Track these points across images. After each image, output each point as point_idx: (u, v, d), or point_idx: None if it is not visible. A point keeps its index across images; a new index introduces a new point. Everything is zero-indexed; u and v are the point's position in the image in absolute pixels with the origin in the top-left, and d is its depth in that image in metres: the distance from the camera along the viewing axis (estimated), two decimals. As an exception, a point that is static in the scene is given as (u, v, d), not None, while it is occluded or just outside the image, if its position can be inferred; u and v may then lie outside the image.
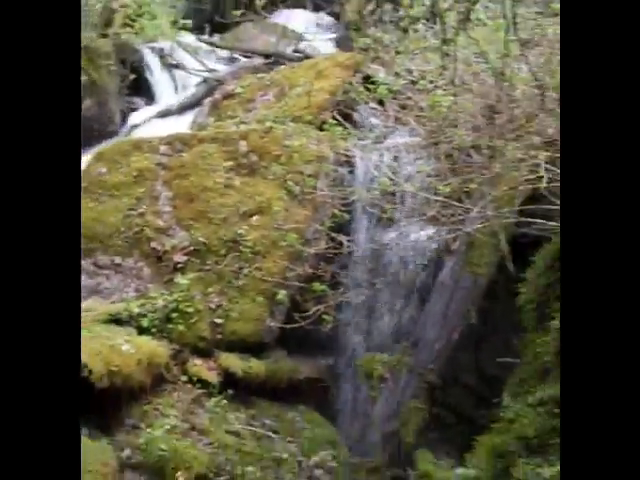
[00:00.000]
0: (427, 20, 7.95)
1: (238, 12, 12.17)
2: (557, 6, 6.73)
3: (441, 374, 7.06)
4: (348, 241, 7.59)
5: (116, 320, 7.16)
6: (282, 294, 7.33)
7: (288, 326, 7.27)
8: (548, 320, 3.49)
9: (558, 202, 6.04)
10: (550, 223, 5.89)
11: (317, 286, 7.26)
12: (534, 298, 3.66)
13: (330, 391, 7.55)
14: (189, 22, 11.61)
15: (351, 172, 8.15)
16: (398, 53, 8.66)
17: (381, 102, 8.93)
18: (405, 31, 8.78)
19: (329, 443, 6.99)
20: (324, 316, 7.07)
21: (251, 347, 7.29)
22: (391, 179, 7.53)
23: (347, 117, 9.01)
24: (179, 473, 6.00)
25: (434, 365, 7.00)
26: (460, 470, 3.68)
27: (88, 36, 10.85)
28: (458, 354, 7.18)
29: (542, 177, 6.13)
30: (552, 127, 6.63)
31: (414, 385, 6.93)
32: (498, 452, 3.32)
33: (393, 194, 7.61)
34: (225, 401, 6.80)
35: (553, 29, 7.12)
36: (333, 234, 7.54)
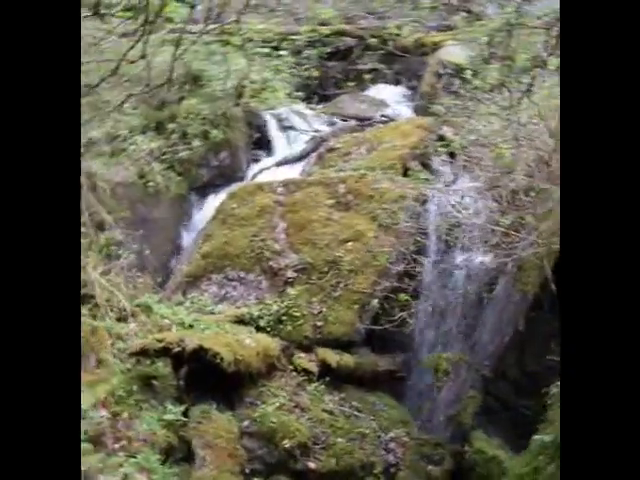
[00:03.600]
0: (490, 90, 7.80)
1: (349, 83, 12.27)
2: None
3: (493, 370, 6.83)
4: (428, 262, 7.45)
5: (240, 321, 7.16)
6: (372, 303, 7.22)
7: (374, 327, 7.14)
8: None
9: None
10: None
11: (402, 297, 7.12)
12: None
13: (404, 381, 7.37)
14: (300, 94, 11.71)
15: (426, 210, 8.01)
16: (468, 117, 8.50)
17: (452, 154, 8.80)
18: (471, 99, 8.63)
19: (402, 422, 6.83)
20: (407, 320, 6.93)
21: (343, 345, 7.19)
22: (459, 214, 7.38)
23: (424, 166, 8.91)
24: (285, 441, 5.91)
25: (488, 362, 6.78)
26: (538, 436, 3.50)
27: (226, 105, 11.04)
28: (507, 354, 6.95)
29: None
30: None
31: (471, 378, 6.72)
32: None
33: (460, 226, 7.45)
34: (322, 386, 6.73)
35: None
36: (415, 256, 7.40)
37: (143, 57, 5.83)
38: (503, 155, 7.15)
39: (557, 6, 4.93)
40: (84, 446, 4.60)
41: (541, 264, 6.41)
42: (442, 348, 7.12)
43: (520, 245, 6.46)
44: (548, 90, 6.70)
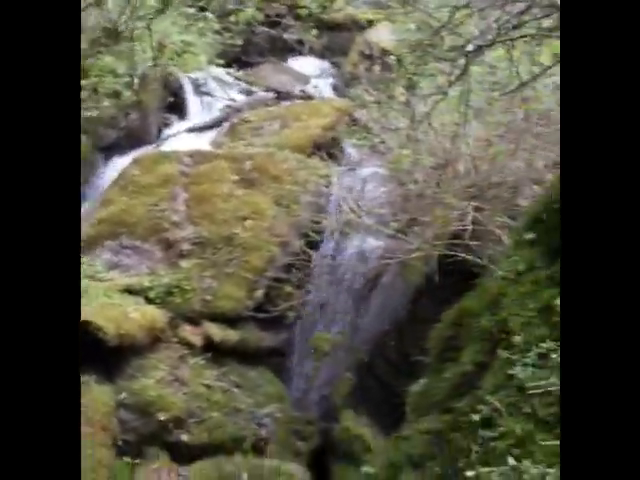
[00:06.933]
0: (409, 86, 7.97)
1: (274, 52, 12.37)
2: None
3: (370, 354, 7.13)
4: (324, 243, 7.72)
5: (130, 290, 7.30)
6: (263, 281, 7.48)
7: (263, 305, 7.39)
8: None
9: (475, 242, 6.21)
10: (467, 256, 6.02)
11: (294, 275, 7.40)
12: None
13: (286, 358, 7.58)
14: (221, 61, 11.77)
15: (329, 192, 8.26)
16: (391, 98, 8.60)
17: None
18: (386, 90, 8.80)
19: (278, 399, 7.05)
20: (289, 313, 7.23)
21: (230, 320, 7.33)
22: (357, 207, 7.67)
23: (335, 150, 9.18)
24: (160, 413, 6.11)
25: (367, 346, 7.09)
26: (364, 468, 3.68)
27: (145, 65, 10.99)
28: (386, 339, 7.25)
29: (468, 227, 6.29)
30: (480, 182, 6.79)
31: (349, 360, 7.01)
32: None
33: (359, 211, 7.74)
34: (203, 361, 6.87)
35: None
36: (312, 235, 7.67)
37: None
38: (401, 161, 7.40)
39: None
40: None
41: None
42: (326, 329, 7.39)
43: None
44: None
